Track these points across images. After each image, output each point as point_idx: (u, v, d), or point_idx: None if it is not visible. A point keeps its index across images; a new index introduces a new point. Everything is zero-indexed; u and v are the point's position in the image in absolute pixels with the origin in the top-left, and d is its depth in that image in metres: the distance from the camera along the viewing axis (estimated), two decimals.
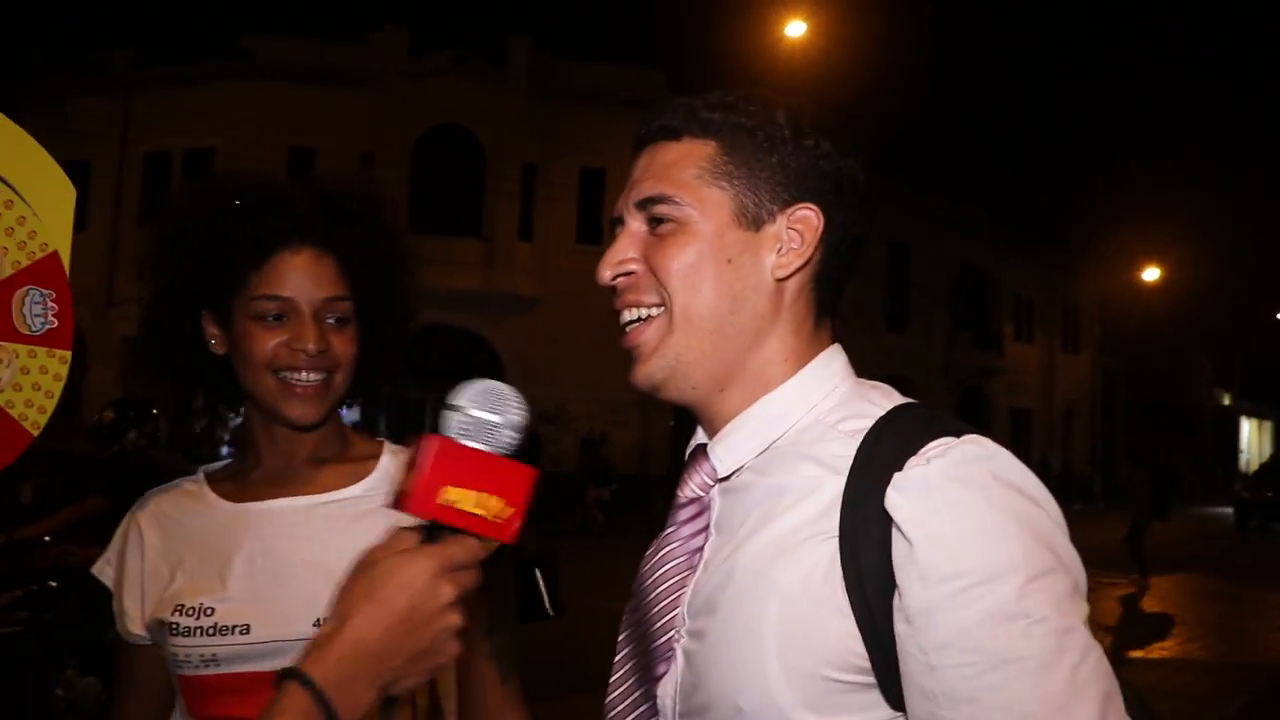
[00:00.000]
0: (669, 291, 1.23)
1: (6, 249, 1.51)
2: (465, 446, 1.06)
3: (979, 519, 1.03)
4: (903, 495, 1.05)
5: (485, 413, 1.08)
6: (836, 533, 1.09)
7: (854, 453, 1.13)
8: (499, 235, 23.27)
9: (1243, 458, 50.37)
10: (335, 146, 22.95)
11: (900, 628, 1.04)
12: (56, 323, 1.53)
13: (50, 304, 1.53)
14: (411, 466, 1.05)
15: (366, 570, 1.06)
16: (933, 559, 1.02)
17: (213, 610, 1.57)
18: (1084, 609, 1.05)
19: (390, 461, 1.71)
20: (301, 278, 1.62)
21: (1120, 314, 41.68)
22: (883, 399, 1.22)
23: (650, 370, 1.25)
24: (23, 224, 1.53)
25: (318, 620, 1.53)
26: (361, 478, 1.69)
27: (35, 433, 1.52)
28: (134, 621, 1.67)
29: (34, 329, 1.52)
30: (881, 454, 1.11)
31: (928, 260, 31.21)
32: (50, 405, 1.53)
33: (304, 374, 1.61)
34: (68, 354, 1.54)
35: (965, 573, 1.01)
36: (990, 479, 1.06)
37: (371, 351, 1.72)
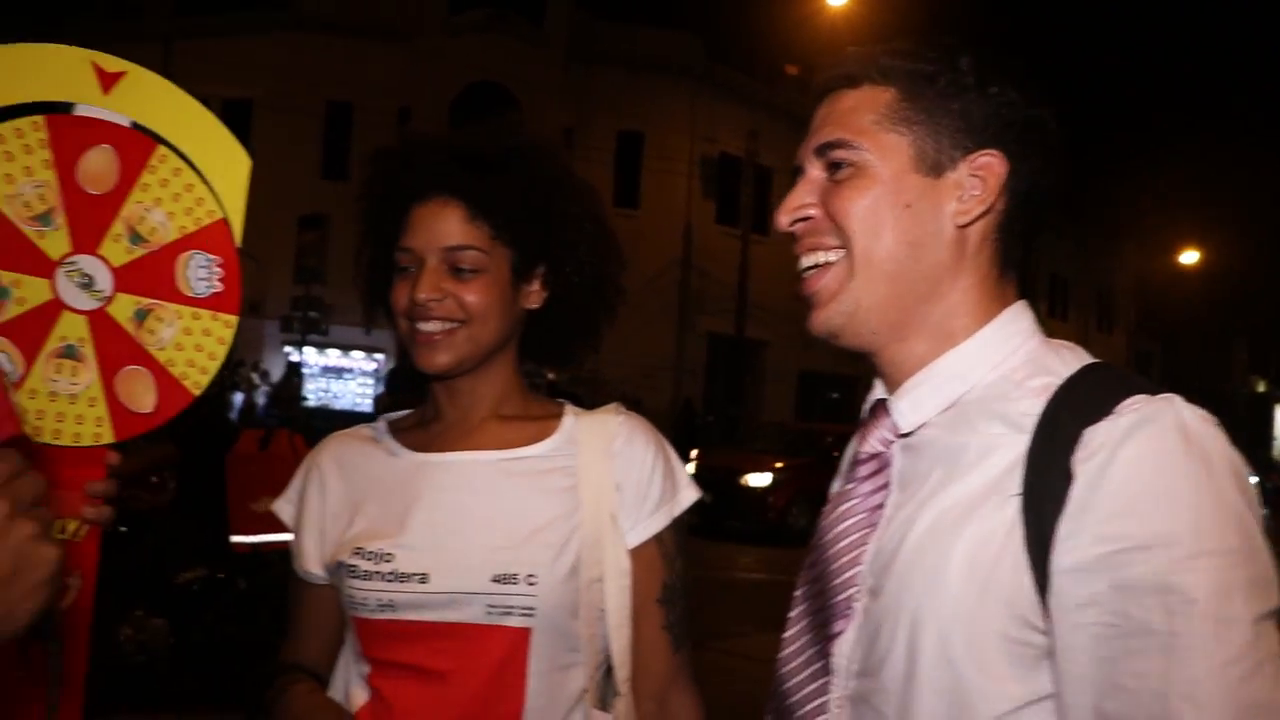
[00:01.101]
0: (848, 235, 1.24)
1: (173, 214, 1.55)
2: None
3: (1154, 482, 1.02)
4: (1086, 451, 1.05)
5: None
6: (1020, 491, 1.09)
7: (1041, 410, 1.12)
8: None
9: (1276, 445, 50.05)
10: (372, 101, 22.97)
11: (1057, 581, 1.04)
12: (222, 287, 1.57)
13: (215, 269, 1.57)
14: None
15: None
16: (1097, 515, 1.02)
17: (392, 556, 1.61)
18: (1268, 605, 1.01)
19: (573, 423, 1.74)
20: (425, 228, 1.66)
21: (1156, 296, 41.42)
22: (1073, 357, 1.21)
23: (828, 316, 1.27)
24: (190, 191, 1.56)
25: (495, 575, 1.59)
26: (544, 437, 1.72)
27: (196, 392, 1.56)
28: (311, 560, 1.74)
29: (197, 292, 1.56)
30: (1070, 412, 1.10)
31: None
32: (213, 367, 1.57)
33: (425, 323, 1.65)
34: (233, 318, 1.58)
35: (1126, 535, 1.01)
36: (1180, 443, 1.04)
37: (551, 309, 1.74)
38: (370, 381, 23.43)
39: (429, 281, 1.63)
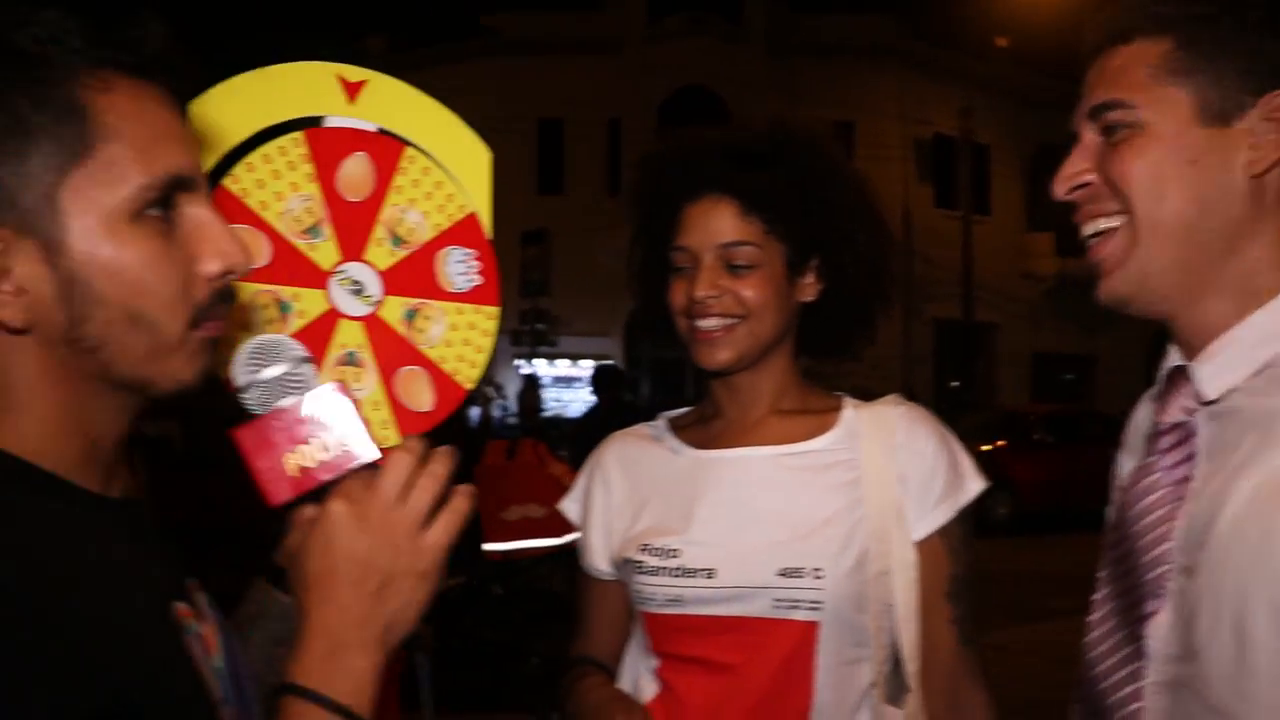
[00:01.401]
0: (1129, 200, 1.16)
1: (427, 213, 1.58)
2: (268, 420, 1.00)
3: None
4: None
5: (262, 373, 1.03)
6: None
7: None
8: None
9: None
10: (582, 115, 23.47)
11: None
12: (481, 280, 1.60)
13: (472, 262, 1.59)
14: (250, 471, 1.00)
15: (293, 561, 1.01)
16: None
17: (678, 552, 1.64)
18: None
19: (853, 415, 1.72)
20: (698, 227, 1.68)
21: None
22: None
23: (1114, 286, 1.20)
24: (440, 188, 1.59)
25: (781, 569, 1.58)
26: (824, 431, 1.71)
27: (469, 386, 1.59)
28: (599, 556, 1.79)
29: (458, 287, 1.59)
30: None
31: None
32: (481, 360, 1.59)
33: (704, 320, 1.66)
34: (495, 310, 1.60)
35: None
36: None
37: (827, 301, 1.73)
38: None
39: (707, 279, 1.65)
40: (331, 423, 0.98)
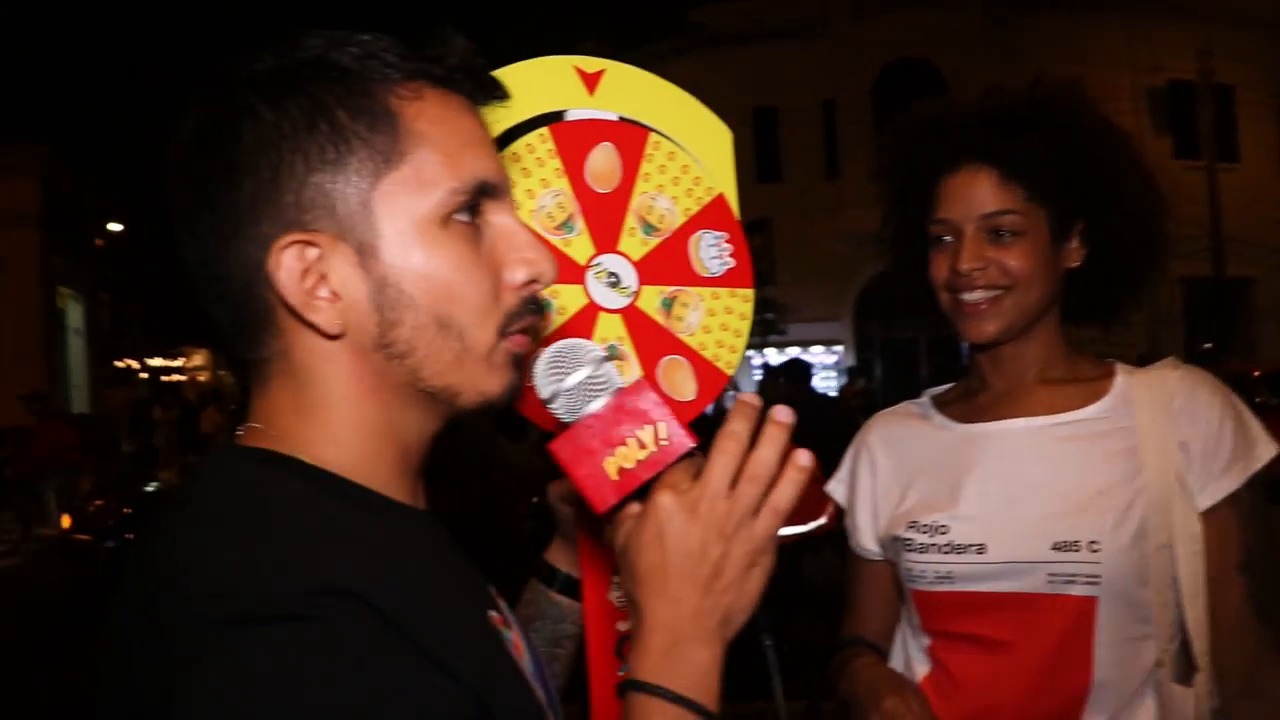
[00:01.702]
0: None
1: (676, 198, 1.55)
2: (577, 428, 0.98)
3: None
4: None
5: (565, 382, 1.00)
6: None
7: None
8: None
9: None
10: (795, 100, 23.24)
11: None
12: (734, 262, 1.56)
13: (725, 244, 1.56)
14: (572, 482, 0.98)
15: (624, 557, 0.98)
16: None
17: (947, 529, 1.59)
18: None
19: (1126, 382, 1.62)
20: (958, 198, 1.61)
21: None
22: None
23: None
24: (686, 172, 1.56)
25: (1055, 543, 1.51)
26: (1096, 399, 1.62)
27: (729, 372, 1.56)
28: (866, 536, 1.76)
29: (712, 271, 1.56)
30: None
31: None
32: (740, 344, 1.56)
33: (968, 294, 1.59)
34: (750, 292, 1.56)
35: None
36: None
37: (1093, 267, 1.64)
38: (833, 374, 23.69)
39: (970, 251, 1.59)
40: (643, 419, 0.96)
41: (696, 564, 0.94)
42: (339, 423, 0.95)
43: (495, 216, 0.99)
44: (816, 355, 24.19)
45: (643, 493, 0.97)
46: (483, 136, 0.99)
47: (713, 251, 1.56)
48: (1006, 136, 1.60)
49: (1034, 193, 1.59)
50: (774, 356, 22.71)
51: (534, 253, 0.99)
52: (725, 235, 1.56)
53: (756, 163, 24.24)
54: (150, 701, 0.77)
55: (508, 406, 1.03)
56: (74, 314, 22.85)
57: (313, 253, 0.91)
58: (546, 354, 1.02)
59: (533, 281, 1.00)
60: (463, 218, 0.95)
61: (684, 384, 1.54)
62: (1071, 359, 1.68)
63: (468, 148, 0.96)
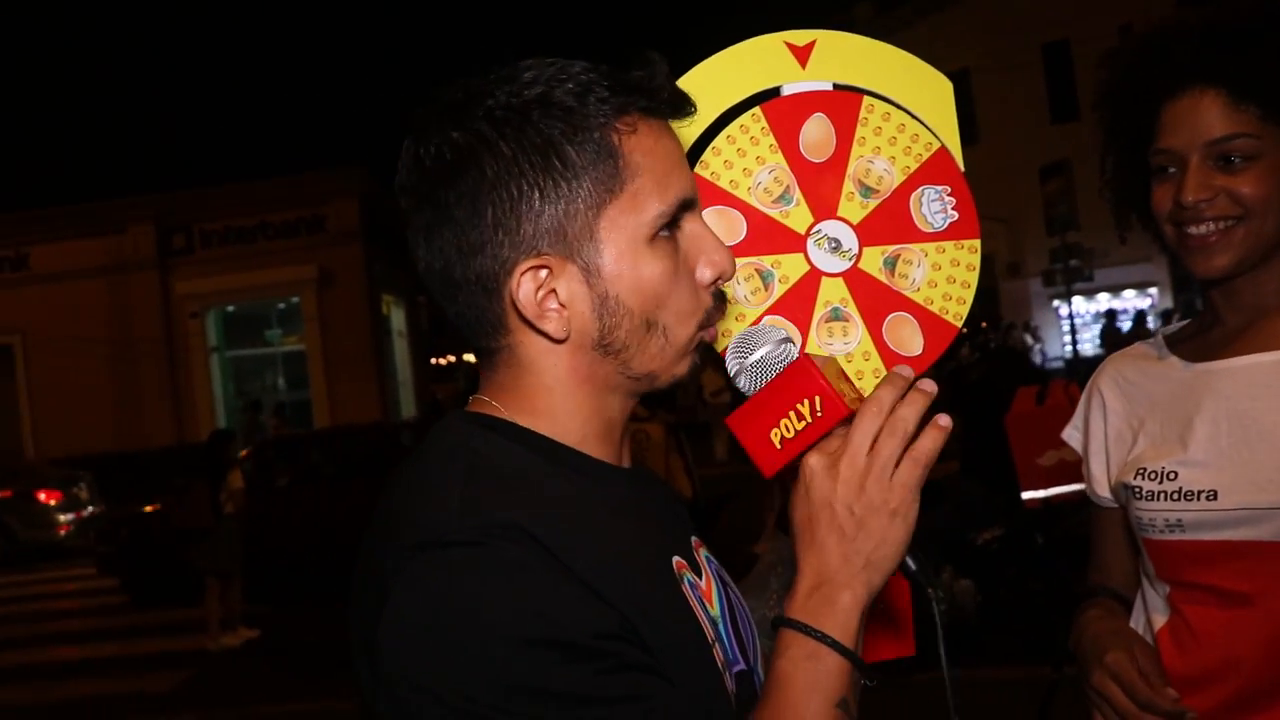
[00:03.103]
0: None
1: (894, 158, 1.57)
2: (750, 404, 1.10)
3: None
4: None
5: (750, 358, 1.14)
6: None
7: None
8: None
9: None
10: (1088, 31, 21.87)
11: None
12: (958, 215, 1.57)
13: (947, 198, 1.57)
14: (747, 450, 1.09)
15: (790, 514, 1.09)
16: None
17: (1176, 474, 1.51)
18: None
19: None
20: (1183, 124, 1.51)
21: None
22: None
23: None
24: (904, 131, 1.58)
25: None
26: None
27: (958, 324, 1.57)
28: (1099, 484, 1.70)
29: (936, 225, 1.57)
30: None
31: None
32: (968, 295, 1.57)
33: (1194, 226, 1.50)
34: (976, 243, 1.57)
35: None
36: None
37: None
38: (1150, 319, 22.24)
39: (1196, 181, 1.49)
40: (802, 393, 1.06)
41: (835, 515, 1.04)
42: (556, 403, 1.11)
43: (688, 224, 1.12)
44: (1129, 300, 22.76)
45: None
46: (680, 156, 1.14)
47: (935, 206, 1.57)
48: (1237, 53, 1.49)
49: (1270, 111, 1.48)
50: (1082, 305, 21.61)
51: (719, 254, 1.13)
52: (948, 189, 1.57)
53: (1050, 103, 23.06)
54: (372, 608, 0.98)
55: None
56: (397, 318, 24.71)
57: (544, 273, 1.06)
58: (736, 338, 1.16)
59: (718, 278, 1.14)
60: (665, 233, 1.09)
61: (911, 339, 1.56)
62: None
63: (671, 171, 1.10)
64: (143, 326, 21.04)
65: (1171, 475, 1.51)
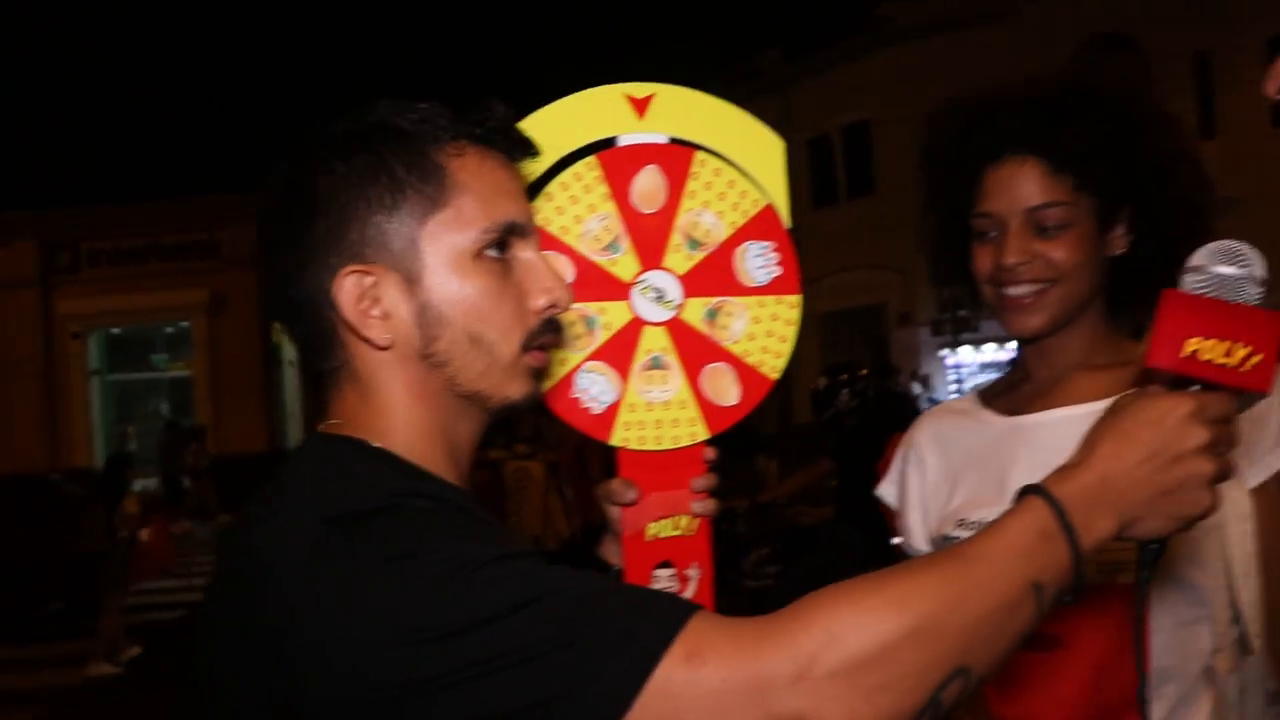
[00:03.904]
0: None
1: (722, 212, 1.61)
2: (1202, 298, 1.05)
3: None
4: None
5: (1223, 267, 1.06)
6: None
7: None
8: None
9: None
10: (984, 89, 22.62)
11: None
12: (781, 270, 1.61)
13: (771, 254, 1.61)
14: (1153, 328, 1.05)
15: (1115, 412, 1.06)
16: None
17: None
18: None
19: None
20: (1004, 191, 1.59)
21: None
22: None
23: None
24: (733, 186, 1.62)
25: None
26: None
27: (774, 376, 1.61)
28: (917, 537, 1.75)
29: (758, 280, 1.61)
30: None
31: None
32: (785, 349, 1.61)
33: (1012, 288, 1.58)
34: (796, 299, 1.62)
35: None
36: None
37: (1138, 253, 1.62)
38: None
39: (1015, 245, 1.57)
40: (1254, 340, 1.03)
41: (1158, 463, 1.01)
42: (399, 421, 1.16)
43: (522, 253, 1.20)
44: (1013, 351, 23.38)
45: (1178, 384, 1.05)
46: (513, 186, 1.21)
47: (759, 261, 1.61)
48: (1054, 125, 1.58)
49: (1083, 182, 1.56)
50: (969, 354, 22.13)
51: (552, 283, 1.20)
52: (772, 245, 1.61)
53: None
54: (273, 622, 0.96)
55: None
56: (289, 348, 24.28)
57: (368, 280, 1.12)
58: (1221, 243, 1.08)
59: (551, 306, 1.20)
60: (493, 253, 1.16)
61: (728, 390, 1.60)
62: (1116, 342, 1.65)
63: (500, 195, 1.17)
64: (21, 346, 20.36)
65: None
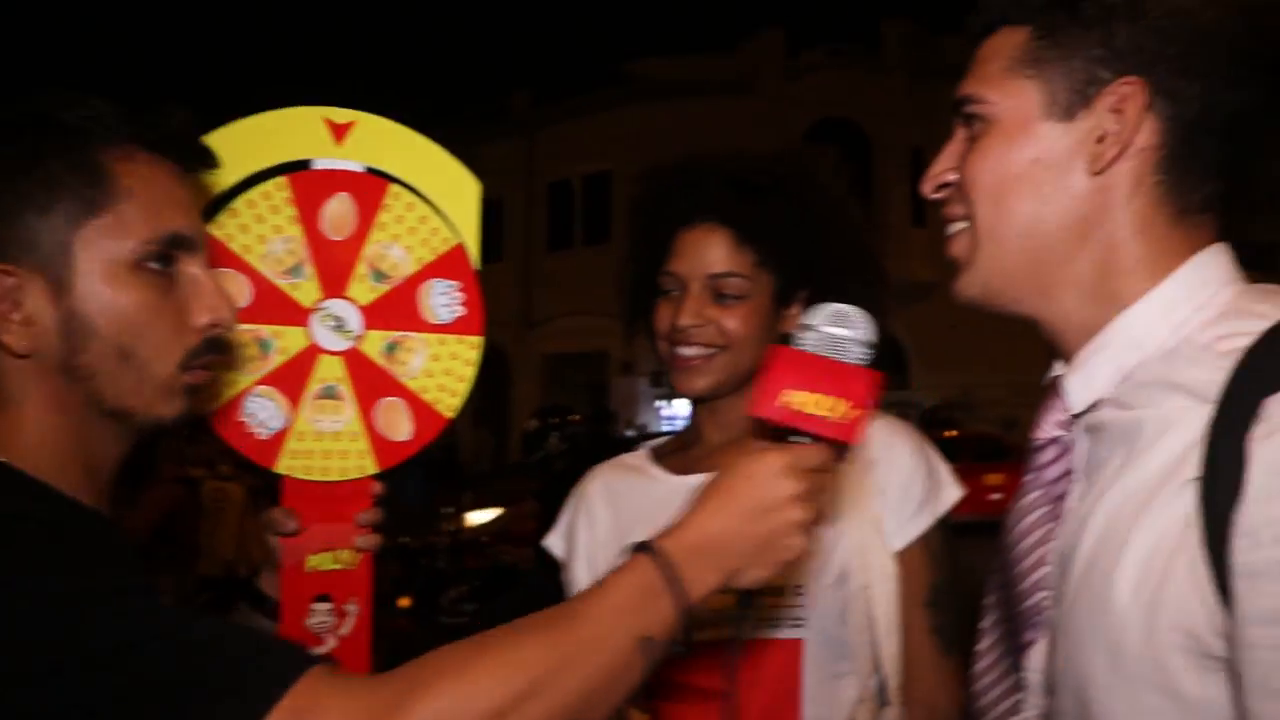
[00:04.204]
0: (970, 201, 1.11)
1: (410, 247, 1.61)
2: (806, 355, 1.12)
3: None
4: (1266, 427, 0.85)
5: (832, 328, 1.14)
6: (1199, 475, 0.90)
7: (1227, 376, 0.92)
8: (892, 223, 22.80)
9: None
10: (695, 154, 23.57)
11: (1233, 586, 0.85)
12: (465, 311, 1.62)
13: (456, 293, 1.62)
14: (760, 380, 1.13)
15: (721, 470, 1.13)
16: (1272, 511, 0.83)
17: None
18: None
19: None
20: (690, 254, 1.66)
21: None
22: (1274, 308, 0.98)
23: (964, 285, 1.15)
24: (424, 223, 1.62)
25: (764, 588, 1.55)
26: None
27: (450, 415, 1.61)
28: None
29: (441, 319, 1.61)
30: (1257, 376, 0.90)
31: None
32: (464, 389, 1.62)
33: (684, 348, 1.65)
34: (478, 340, 1.63)
35: None
36: None
37: None
38: None
39: (691, 308, 1.64)
40: (847, 395, 1.10)
41: (754, 515, 1.08)
42: (30, 433, 1.08)
43: (187, 267, 1.14)
44: None
45: (779, 434, 1.12)
46: (183, 197, 1.15)
47: (443, 300, 1.62)
48: (748, 200, 1.65)
49: (765, 259, 1.64)
50: (683, 407, 22.87)
51: (217, 300, 1.15)
52: (458, 284, 1.62)
53: None
54: None
55: None
56: None
57: (9, 281, 1.04)
58: (833, 307, 1.16)
59: (214, 325, 1.14)
60: (154, 265, 1.10)
61: (400, 425, 1.59)
62: None
63: (167, 205, 1.11)
64: None
65: None
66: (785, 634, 1.56)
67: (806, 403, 1.10)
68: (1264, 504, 0.83)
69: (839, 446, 1.12)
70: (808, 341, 1.14)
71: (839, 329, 1.14)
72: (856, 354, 1.14)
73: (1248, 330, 0.95)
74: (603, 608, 1.04)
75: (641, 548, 1.08)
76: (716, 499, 1.10)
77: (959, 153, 1.15)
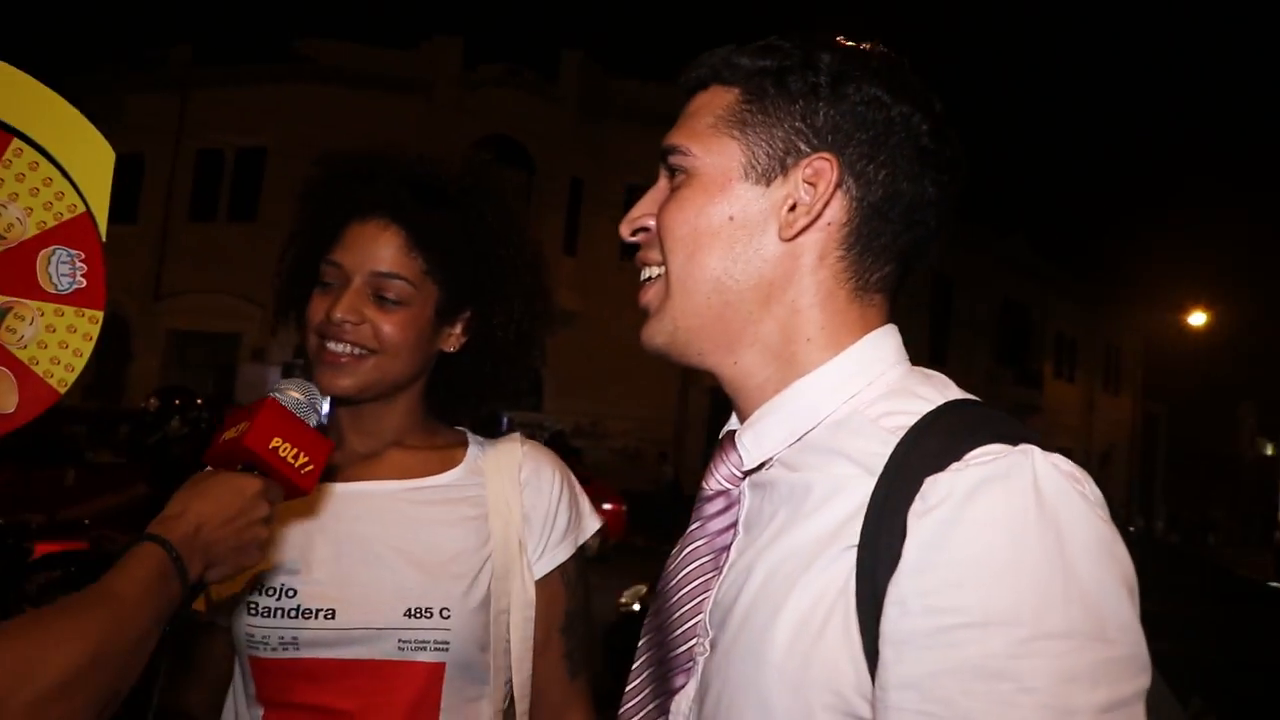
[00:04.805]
0: (665, 250, 1.13)
1: (31, 209, 1.52)
2: (289, 411, 1.40)
3: (997, 551, 0.87)
4: (924, 504, 0.91)
5: (296, 394, 1.45)
6: (858, 543, 0.95)
7: (891, 450, 0.98)
8: (544, 249, 23.26)
9: None
10: (382, 147, 23.15)
11: (881, 652, 0.90)
12: (86, 283, 1.54)
13: (79, 264, 1.54)
14: (245, 418, 1.37)
15: (206, 478, 1.35)
16: (923, 583, 0.88)
17: (295, 592, 1.54)
18: (1118, 693, 0.86)
19: (477, 452, 1.69)
20: (358, 247, 1.59)
21: (1164, 357, 40.44)
22: (935, 392, 1.05)
23: (652, 333, 1.17)
24: (49, 185, 1.53)
25: (408, 609, 1.53)
26: (450, 466, 1.67)
27: (62, 390, 1.53)
28: (203, 597, 1.64)
29: (61, 288, 1.53)
30: (920, 455, 0.95)
31: (971, 294, 30.77)
32: (79, 364, 1.53)
33: (334, 343, 1.58)
34: (98, 314, 1.55)
35: (957, 609, 0.86)
36: (1033, 504, 0.89)
37: (467, 356, 1.68)
38: None
39: (349, 302, 1.56)
40: (312, 459, 1.39)
41: (236, 524, 1.32)
42: None
43: None
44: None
45: (250, 466, 1.37)
46: None
47: (64, 269, 1.54)
48: (427, 205, 1.60)
49: (433, 269, 1.59)
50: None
51: None
52: (81, 255, 1.54)
53: None
54: None
55: None
56: None
57: None
58: (304, 383, 1.51)
59: None
60: None
61: (4, 396, 1.50)
62: (429, 428, 1.70)
63: None
64: None
65: (290, 593, 1.54)
66: (427, 658, 1.54)
67: (288, 452, 1.36)
68: (917, 576, 0.88)
69: (292, 490, 1.39)
70: (288, 401, 1.42)
71: (301, 396, 1.45)
72: (313, 420, 1.43)
73: (912, 410, 1.02)
74: (134, 589, 1.19)
75: (151, 537, 1.25)
76: (208, 501, 1.31)
77: (659, 200, 1.17)
